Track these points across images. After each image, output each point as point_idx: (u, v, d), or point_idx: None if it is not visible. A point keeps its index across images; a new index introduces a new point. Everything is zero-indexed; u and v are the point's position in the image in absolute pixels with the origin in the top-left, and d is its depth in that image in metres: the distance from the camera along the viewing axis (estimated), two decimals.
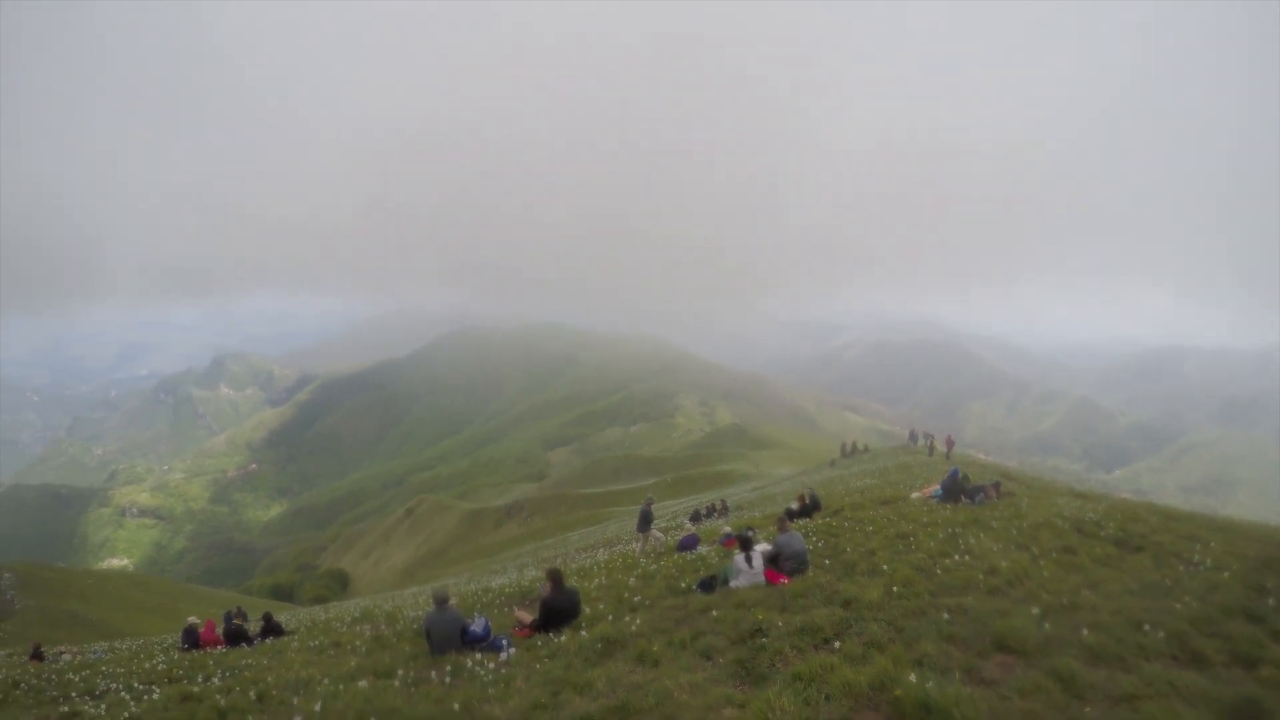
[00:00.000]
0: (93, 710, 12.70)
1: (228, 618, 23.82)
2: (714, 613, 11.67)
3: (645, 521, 24.75)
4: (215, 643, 21.02)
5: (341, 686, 11.36)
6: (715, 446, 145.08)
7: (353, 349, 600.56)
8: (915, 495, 23.78)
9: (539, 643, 12.38)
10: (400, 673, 11.70)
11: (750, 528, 18.93)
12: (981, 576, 12.35)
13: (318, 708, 10.09)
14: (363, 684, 11.23)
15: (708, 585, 14.12)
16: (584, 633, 12.12)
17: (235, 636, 20.73)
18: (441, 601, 13.22)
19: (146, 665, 17.96)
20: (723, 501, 41.94)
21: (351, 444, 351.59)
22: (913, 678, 7.44)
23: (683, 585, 14.82)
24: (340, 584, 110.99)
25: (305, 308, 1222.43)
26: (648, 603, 13.88)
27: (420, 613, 18.72)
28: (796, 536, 14.57)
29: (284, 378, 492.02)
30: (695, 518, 38.07)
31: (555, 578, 13.68)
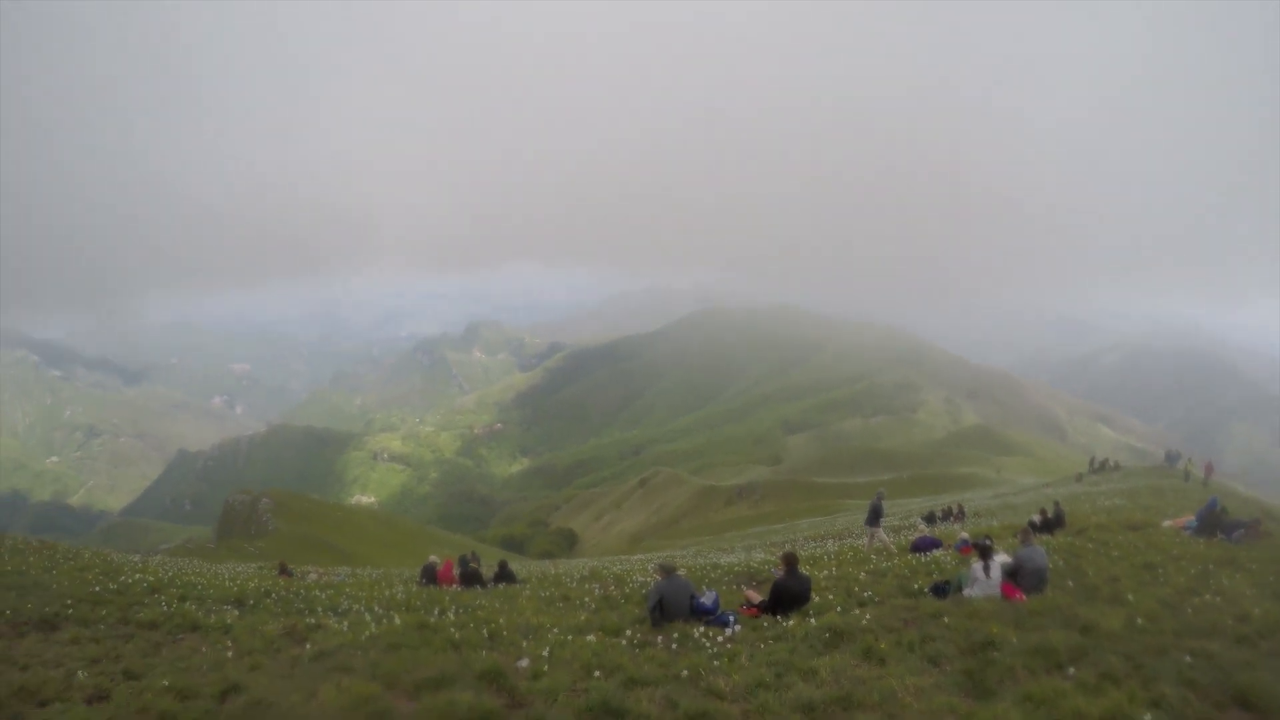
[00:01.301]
0: (336, 625, 14.35)
1: (463, 560, 26.04)
2: (945, 619, 11.79)
3: (875, 516, 24.68)
4: (451, 582, 23.08)
5: (570, 637, 12.44)
6: (957, 447, 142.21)
7: (601, 322, 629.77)
8: (1167, 524, 22.93)
9: (765, 623, 12.98)
10: (628, 633, 12.68)
11: (988, 536, 18.56)
12: (1230, 622, 11.80)
13: (546, 653, 11.15)
14: (591, 638, 12.27)
15: (941, 590, 14.16)
16: (812, 620, 12.57)
17: (470, 578, 22.65)
18: (670, 572, 14.13)
19: (386, 593, 19.95)
20: (959, 506, 41.52)
21: (594, 412, 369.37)
22: (1148, 718, 7.45)
23: (915, 587, 14.94)
24: (568, 543, 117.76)
25: (558, 281, 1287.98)
26: (877, 599, 14.12)
27: (648, 579, 19.79)
28: (1039, 552, 14.26)
29: (534, 345, 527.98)
30: (929, 519, 38.08)
31: (790, 561, 14.19)
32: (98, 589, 17.30)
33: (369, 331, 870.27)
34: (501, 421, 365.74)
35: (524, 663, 10.91)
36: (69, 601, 15.06)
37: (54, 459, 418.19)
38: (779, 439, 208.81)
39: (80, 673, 10.17)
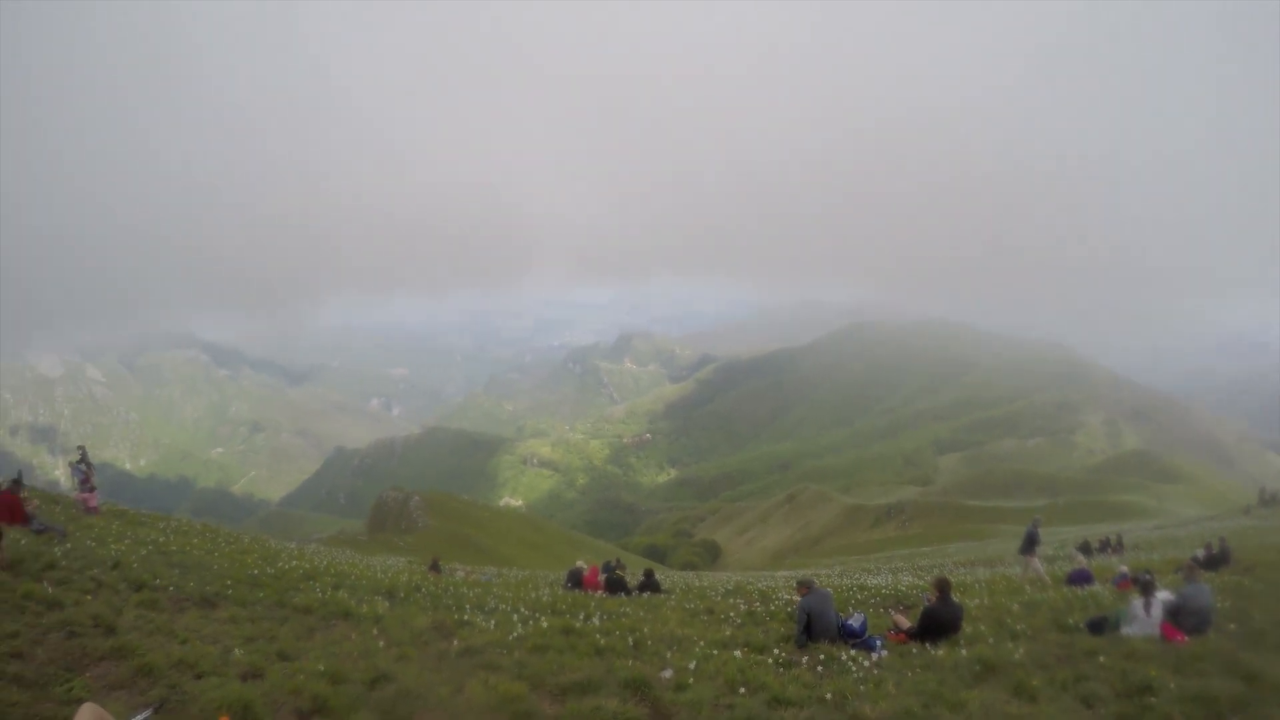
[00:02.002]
0: (483, 623, 14.57)
1: (608, 567, 26.09)
2: (1101, 658, 11.16)
3: (1030, 544, 23.57)
4: (596, 587, 23.12)
5: (715, 652, 12.27)
6: (1116, 473, 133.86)
7: (753, 335, 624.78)
8: None
9: (914, 650, 12.51)
10: (775, 652, 12.45)
11: (1148, 571, 17.44)
12: None
13: (691, 665, 11.03)
14: (736, 654, 12.08)
15: (1097, 626, 13.36)
16: (962, 650, 12.05)
17: (615, 585, 22.66)
18: (810, 586, 13.73)
19: (532, 595, 20.13)
20: (1118, 536, 39.95)
21: (743, 425, 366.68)
22: None
23: (1070, 621, 14.11)
24: (711, 555, 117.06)
25: (710, 293, 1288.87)
26: (1030, 633, 13.43)
27: (793, 598, 19.46)
28: (1204, 590, 13.17)
29: (685, 357, 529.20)
30: (1085, 550, 36.44)
31: (943, 588, 13.64)
32: (256, 572, 18.02)
33: (523, 340, 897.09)
34: (650, 431, 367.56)
35: (668, 674, 10.83)
36: (228, 582, 15.69)
37: (219, 450, 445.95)
38: (930, 458, 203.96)
39: (236, 650, 10.53)
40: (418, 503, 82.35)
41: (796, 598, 18.34)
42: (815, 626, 13.19)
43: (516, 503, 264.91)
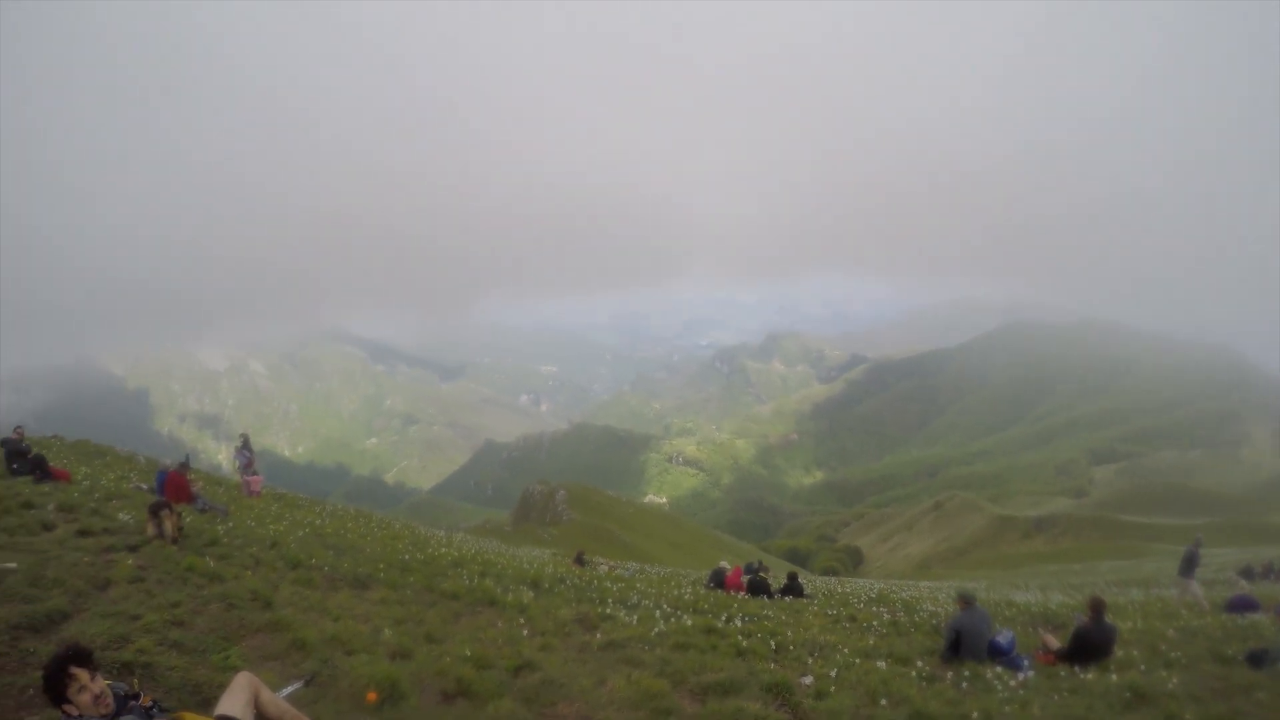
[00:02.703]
0: (626, 618, 14.55)
1: (750, 568, 25.90)
2: (1260, 694, 10.40)
3: (1189, 566, 22.20)
4: (738, 588, 22.91)
5: (857, 660, 11.93)
6: None
7: (904, 336, 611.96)
8: None
9: (1062, 673, 11.96)
10: (918, 664, 12.08)
11: None
12: None
13: (833, 673, 10.78)
14: (880, 664, 11.73)
15: (1257, 659, 12.28)
16: (1113, 676, 11.43)
17: (757, 587, 22.39)
18: (970, 603, 13.31)
19: (675, 592, 20.09)
20: None
21: (892, 428, 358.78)
22: None
23: (1228, 652, 13.14)
24: (854, 561, 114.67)
25: (860, 292, 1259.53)
26: (1185, 662, 12.63)
27: (938, 609, 18.88)
28: None
29: (834, 358, 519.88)
30: (1247, 574, 34.15)
31: (1097, 608, 12.96)
32: (406, 557, 18.54)
33: (671, 339, 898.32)
34: (797, 432, 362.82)
35: (809, 680, 10.63)
36: (380, 565, 16.17)
37: (373, 441, 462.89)
38: (1083, 469, 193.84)
39: (386, 630, 10.80)
40: (563, 496, 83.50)
41: (939, 608, 17.77)
42: (965, 645, 12.72)
43: (660, 500, 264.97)
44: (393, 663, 8.76)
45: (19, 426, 20.43)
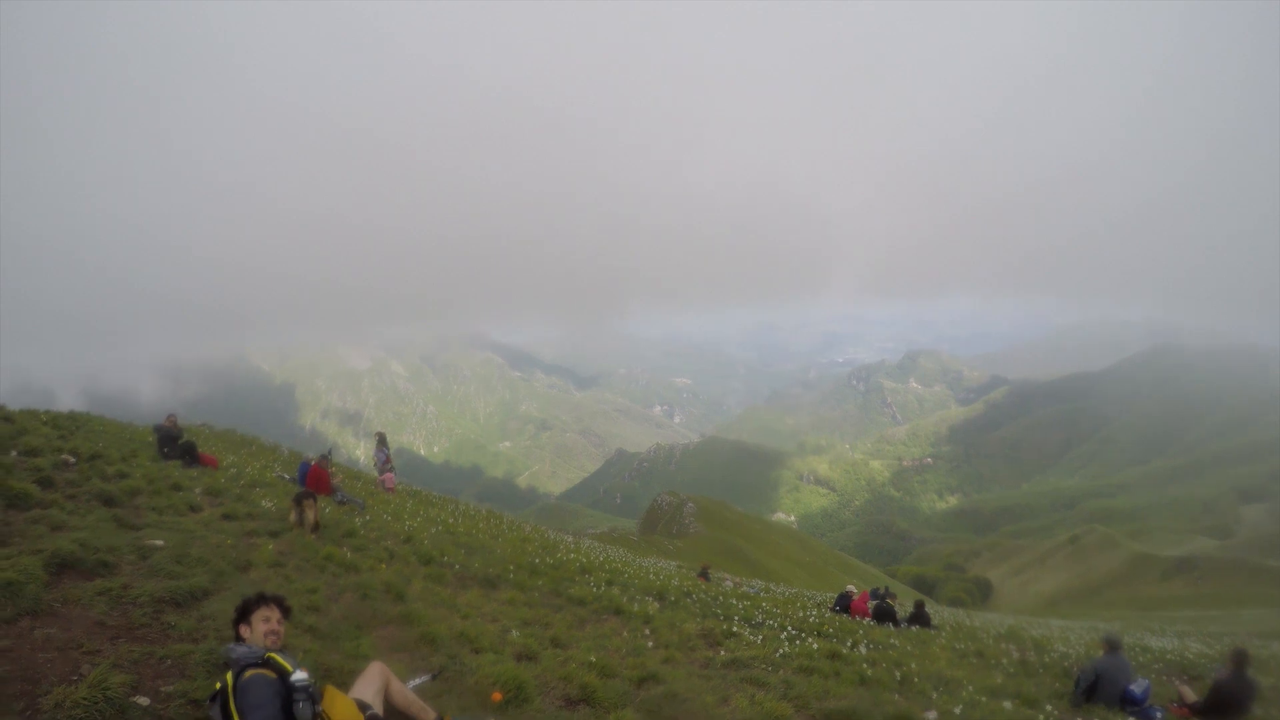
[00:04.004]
0: (750, 637, 14.38)
1: (877, 594, 25.31)
2: None
3: None
4: (864, 614, 22.44)
5: (984, 699, 11.43)
6: None
7: (1045, 357, 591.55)
8: None
9: None
10: (1047, 708, 11.48)
11: None
12: None
13: (958, 710, 10.34)
14: (1006, 704, 11.27)
15: None
16: None
17: (883, 614, 21.89)
18: (1115, 648, 12.77)
19: (799, 614, 19.72)
20: None
21: (1030, 454, 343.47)
22: None
23: None
24: (982, 593, 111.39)
25: (1001, 313, 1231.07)
26: None
27: (1069, 650, 18.18)
28: None
29: (972, 378, 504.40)
30: None
31: (1239, 661, 12.21)
32: (536, 560, 18.72)
33: (806, 355, 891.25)
34: (932, 456, 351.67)
35: (932, 715, 10.25)
36: (510, 567, 16.42)
37: (507, 444, 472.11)
38: (1230, 507, 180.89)
39: (514, 631, 10.93)
40: (691, 509, 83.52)
41: (1070, 649, 17.04)
42: (1100, 690, 12.21)
43: (789, 518, 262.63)
44: (518, 664, 8.82)
45: (171, 414, 21.36)
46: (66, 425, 19.68)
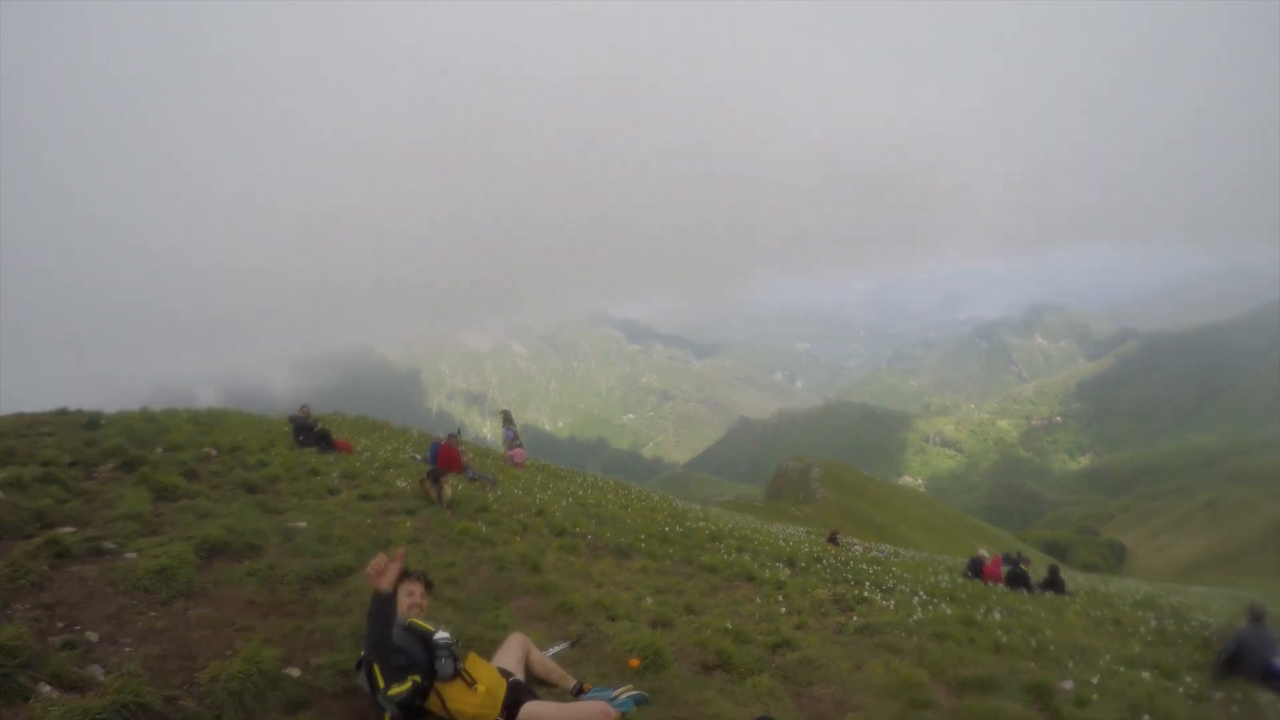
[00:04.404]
0: (882, 602, 14.18)
1: (1010, 559, 24.71)
2: None
3: None
4: (996, 579, 21.97)
5: (1121, 669, 11.08)
6: None
7: (1177, 308, 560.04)
8: None
9: None
10: (1186, 680, 11.05)
11: None
12: None
13: (1094, 680, 10.00)
14: (1145, 675, 10.80)
15: None
16: None
17: (1016, 580, 21.35)
18: (1260, 618, 12.13)
19: (931, 579, 19.40)
20: None
21: (1165, 411, 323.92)
22: None
23: None
24: (1116, 558, 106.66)
25: (1128, 264, 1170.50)
26: None
27: (1209, 619, 17.53)
28: None
29: (1100, 332, 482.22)
30: None
31: (1257, 615, 11.64)
32: (666, 529, 18.83)
33: (927, 314, 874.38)
34: (1061, 414, 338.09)
35: (1069, 685, 9.89)
36: (641, 536, 16.53)
37: (630, 416, 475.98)
38: None
39: (648, 599, 11.01)
40: (816, 474, 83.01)
41: (1210, 619, 16.34)
42: (1242, 662, 11.61)
43: (915, 481, 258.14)
44: (654, 631, 8.84)
45: (304, 404, 22.06)
46: (206, 421, 20.42)
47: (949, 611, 13.72)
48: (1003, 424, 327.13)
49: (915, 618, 12.73)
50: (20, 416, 15.97)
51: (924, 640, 11.06)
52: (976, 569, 23.02)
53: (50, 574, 7.04)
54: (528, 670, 6.50)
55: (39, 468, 10.14)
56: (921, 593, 16.09)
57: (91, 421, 15.48)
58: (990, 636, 12.05)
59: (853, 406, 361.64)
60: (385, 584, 5.48)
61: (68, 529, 8.14)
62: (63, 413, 16.21)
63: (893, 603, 14.30)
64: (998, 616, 14.44)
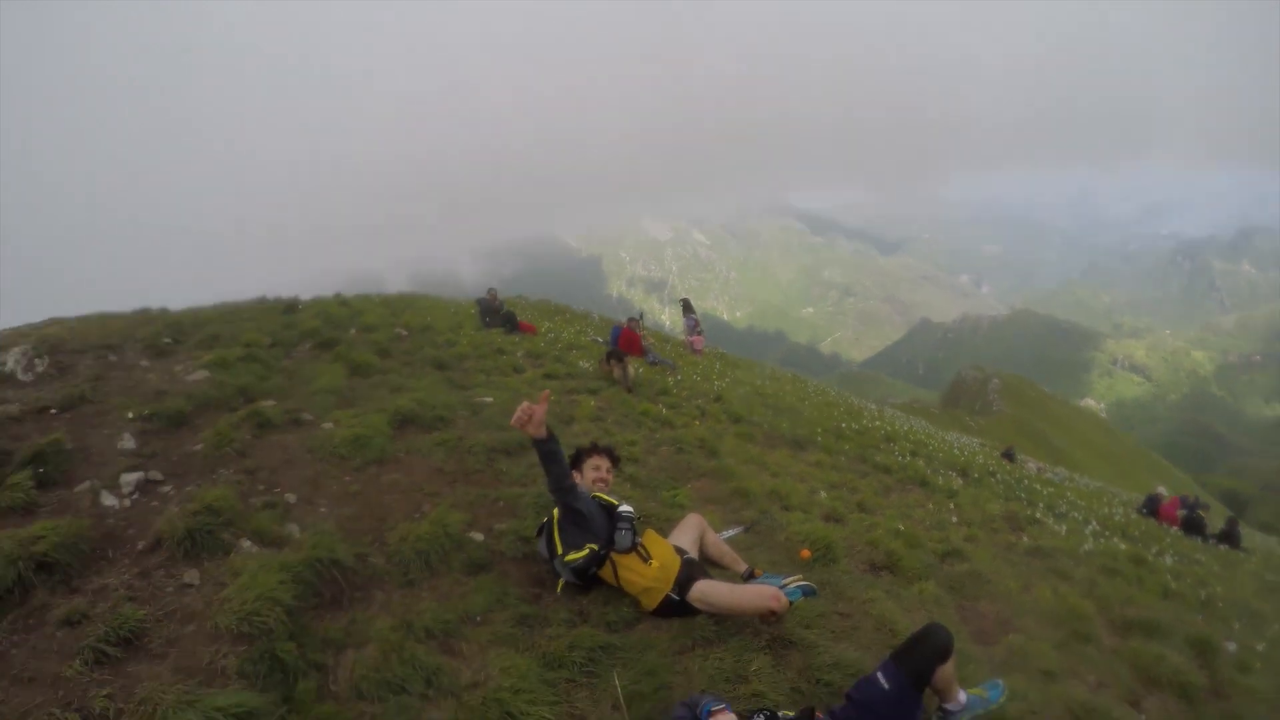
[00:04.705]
0: (1054, 527, 13.94)
1: (1187, 503, 23.56)
2: None
3: None
4: (1172, 521, 21.17)
5: None
6: None
7: None
8: None
9: None
10: None
11: None
12: None
13: (1260, 648, 9.39)
14: None
15: None
16: None
17: (1192, 526, 20.56)
18: None
19: (1104, 510, 18.90)
20: None
21: None
22: None
23: None
24: None
25: None
26: None
27: None
28: None
29: None
30: None
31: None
32: (842, 425, 18.81)
33: (1128, 226, 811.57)
34: (1262, 353, 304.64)
35: (1232, 646, 9.37)
36: (817, 430, 16.50)
37: (809, 310, 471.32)
38: None
39: (821, 493, 11.01)
40: (995, 385, 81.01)
41: None
42: None
43: (1097, 405, 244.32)
44: (826, 525, 8.83)
45: (491, 288, 22.91)
46: (397, 304, 21.19)
47: (1122, 547, 13.40)
48: (1197, 355, 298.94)
49: (1086, 548, 12.50)
50: (223, 305, 16.94)
51: (1093, 572, 10.81)
52: (1152, 507, 22.35)
53: (253, 442, 7.55)
54: (701, 551, 6.56)
55: (242, 349, 10.78)
56: (1094, 523, 15.80)
57: (289, 307, 16.29)
58: (1159, 580, 11.67)
59: (1039, 318, 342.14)
60: (535, 430, 5.49)
61: (269, 402, 8.65)
62: (262, 300, 17.11)
63: (1065, 529, 14.06)
64: (1169, 561, 13.95)
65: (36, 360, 8.94)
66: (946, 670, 4.47)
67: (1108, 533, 15.00)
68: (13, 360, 8.76)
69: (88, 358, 9.71)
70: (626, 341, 20.14)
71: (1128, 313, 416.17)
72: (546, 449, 5.56)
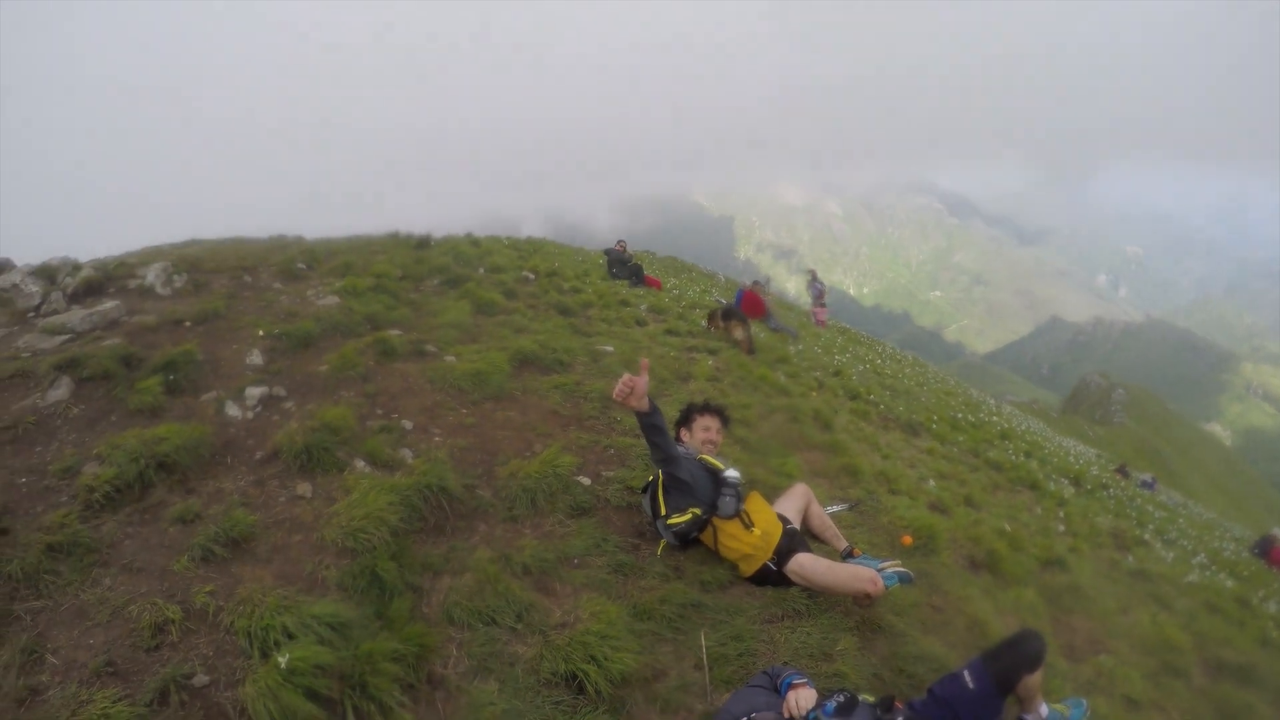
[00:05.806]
0: (1161, 552, 13.57)
1: None
2: None
3: None
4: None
5: None
6: None
7: None
8: None
9: None
10: None
11: None
12: None
13: None
14: None
15: None
16: None
17: None
18: None
19: (1215, 544, 18.29)
20: None
21: None
22: None
23: None
24: None
25: None
26: None
27: None
28: None
29: None
30: None
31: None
32: (958, 416, 18.47)
33: None
34: None
35: None
36: (933, 417, 16.19)
37: (937, 293, 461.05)
38: None
39: (930, 481, 10.77)
40: (1120, 396, 78.44)
41: None
42: None
43: (1223, 432, 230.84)
44: (931, 514, 8.68)
45: (621, 240, 23.02)
46: (525, 248, 21.46)
47: (1229, 585, 12.89)
48: None
49: (1190, 579, 12.09)
50: (356, 237, 17.28)
51: (1195, 606, 10.39)
52: (1265, 549, 21.38)
53: (375, 368, 7.72)
54: (804, 522, 6.47)
55: (372, 279, 10.93)
56: (1203, 555, 15.32)
57: (421, 243, 16.52)
58: (1261, 626, 11.04)
59: (1175, 330, 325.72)
60: (637, 403, 5.42)
61: (395, 331, 8.82)
62: (395, 235, 17.42)
63: (1171, 556, 13.70)
64: (1272, 608, 13.13)
65: (175, 276, 9.29)
66: (1034, 679, 4.35)
67: (1215, 567, 14.52)
68: (152, 275, 9.10)
69: (223, 277, 10.00)
70: (750, 304, 19.99)
71: (1271, 337, 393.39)
72: (649, 421, 5.51)
